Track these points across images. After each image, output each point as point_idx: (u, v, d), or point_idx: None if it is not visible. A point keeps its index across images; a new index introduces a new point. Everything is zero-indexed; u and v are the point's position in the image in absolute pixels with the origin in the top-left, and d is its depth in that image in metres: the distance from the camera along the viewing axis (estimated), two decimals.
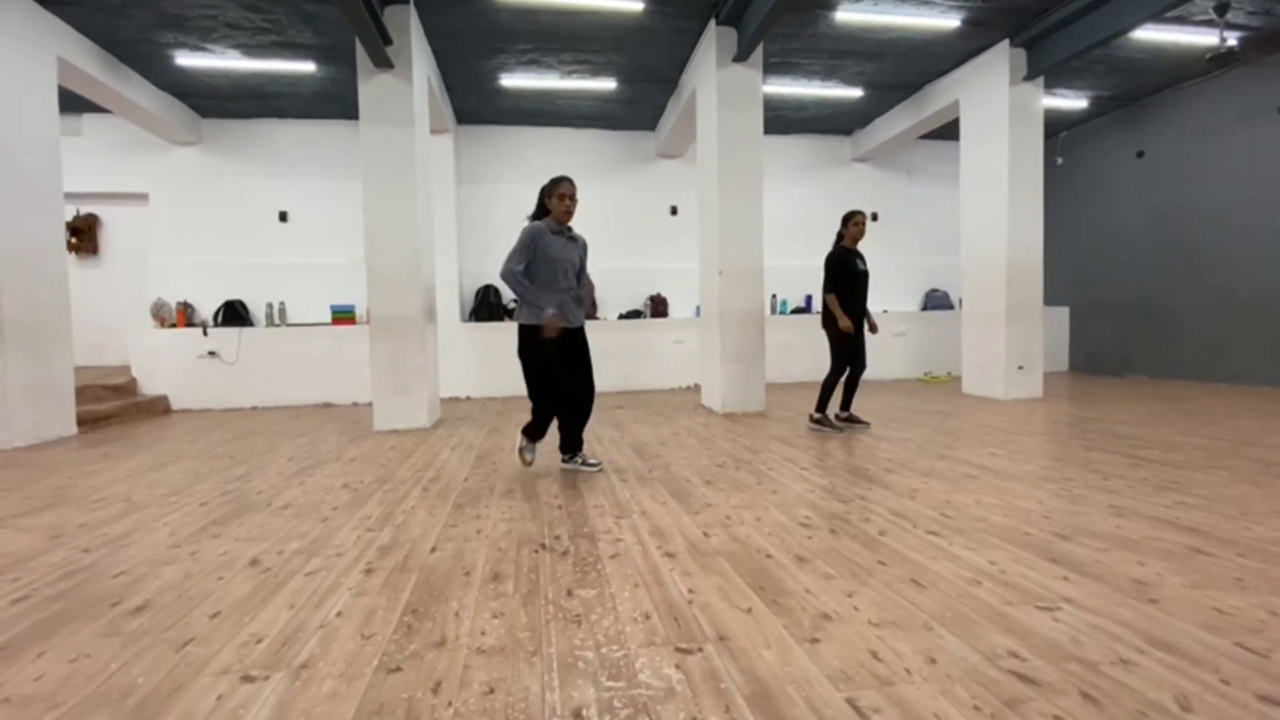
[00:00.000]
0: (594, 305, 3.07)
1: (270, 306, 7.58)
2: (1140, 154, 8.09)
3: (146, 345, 6.95)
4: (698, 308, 7.50)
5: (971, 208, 6.82)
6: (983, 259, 6.63)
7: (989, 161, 6.51)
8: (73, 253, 7.39)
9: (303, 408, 7.02)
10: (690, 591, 1.89)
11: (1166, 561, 2.04)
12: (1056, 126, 8.59)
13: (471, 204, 8.17)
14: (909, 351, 8.65)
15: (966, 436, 4.38)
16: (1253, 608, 1.70)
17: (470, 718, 1.29)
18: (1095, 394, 6.65)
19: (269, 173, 7.78)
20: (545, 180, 3.48)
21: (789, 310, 8.66)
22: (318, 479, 3.52)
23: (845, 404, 4.83)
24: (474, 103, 7.49)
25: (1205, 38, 5.96)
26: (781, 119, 8.16)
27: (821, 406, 4.76)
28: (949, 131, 7.70)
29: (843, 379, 4.74)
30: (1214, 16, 5.57)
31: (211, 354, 7.04)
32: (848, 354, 4.65)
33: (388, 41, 4.98)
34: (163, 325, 7.25)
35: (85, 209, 7.59)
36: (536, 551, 2.28)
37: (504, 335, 7.49)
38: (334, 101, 7.22)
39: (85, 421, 5.43)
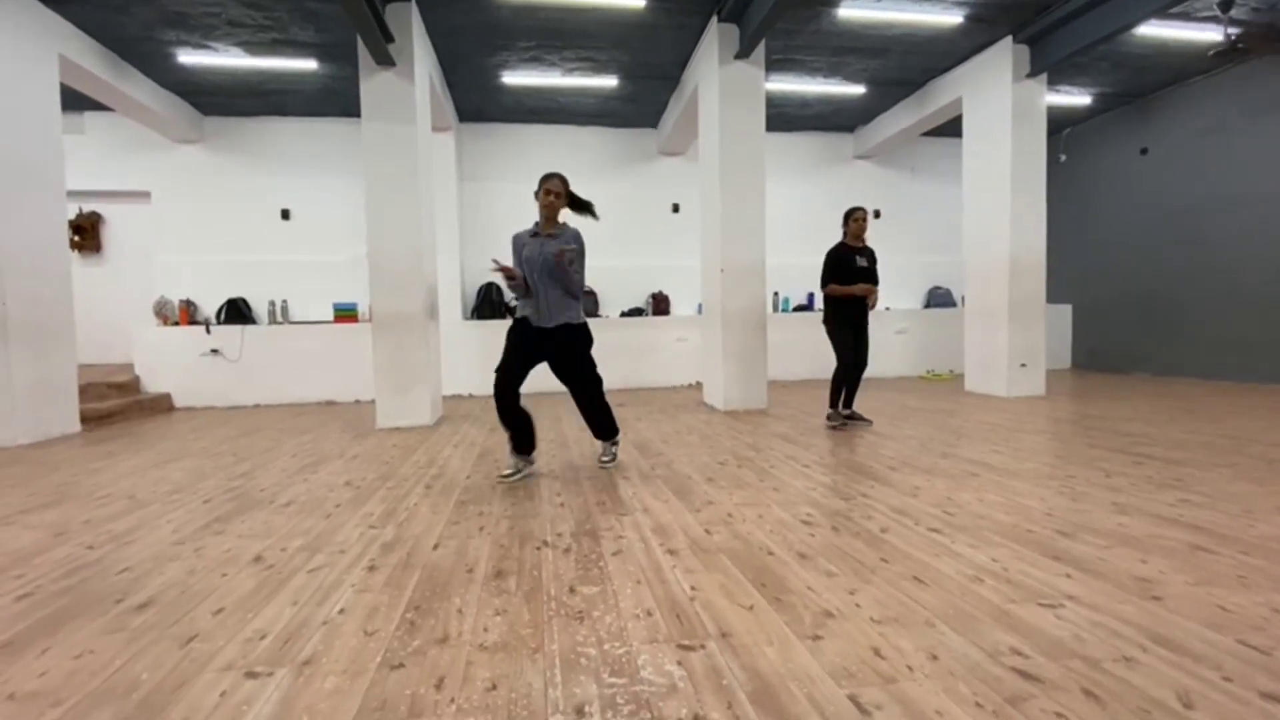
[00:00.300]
0: (570, 281, 2.77)
1: (273, 304, 7.60)
2: (1144, 151, 8.06)
3: (150, 343, 6.96)
4: (700, 305, 7.50)
5: (974, 205, 6.80)
6: (985, 256, 6.61)
7: (992, 158, 6.49)
8: (76, 251, 7.42)
9: (305, 405, 7.04)
10: (692, 588, 1.89)
11: (1169, 559, 2.04)
12: (1060, 123, 8.57)
13: (473, 202, 8.17)
14: (911, 349, 8.64)
15: (969, 434, 4.38)
16: (1256, 605, 1.70)
17: (473, 714, 1.29)
18: (1098, 391, 6.64)
19: (271, 170, 7.79)
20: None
21: (791, 308, 8.65)
22: (321, 476, 3.52)
23: (847, 402, 4.82)
24: (476, 100, 7.49)
25: (1209, 34, 5.94)
26: (784, 116, 8.14)
27: (833, 404, 4.77)
28: (952, 128, 7.69)
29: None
30: (1218, 13, 5.54)
31: (214, 352, 7.05)
32: (849, 350, 4.63)
33: (389, 39, 4.98)
34: (166, 323, 7.26)
35: (88, 207, 7.61)
36: (539, 548, 2.28)
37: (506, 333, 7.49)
38: (336, 99, 7.22)
39: (89, 419, 5.45)
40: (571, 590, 1.90)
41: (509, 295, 7.95)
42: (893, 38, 6.14)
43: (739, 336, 5.76)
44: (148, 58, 6.10)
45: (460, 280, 7.90)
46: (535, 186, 3.35)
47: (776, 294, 8.53)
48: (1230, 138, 7.10)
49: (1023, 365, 6.38)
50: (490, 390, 7.42)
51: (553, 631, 1.64)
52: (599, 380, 3.51)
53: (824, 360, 7.88)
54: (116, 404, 6.05)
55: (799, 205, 8.72)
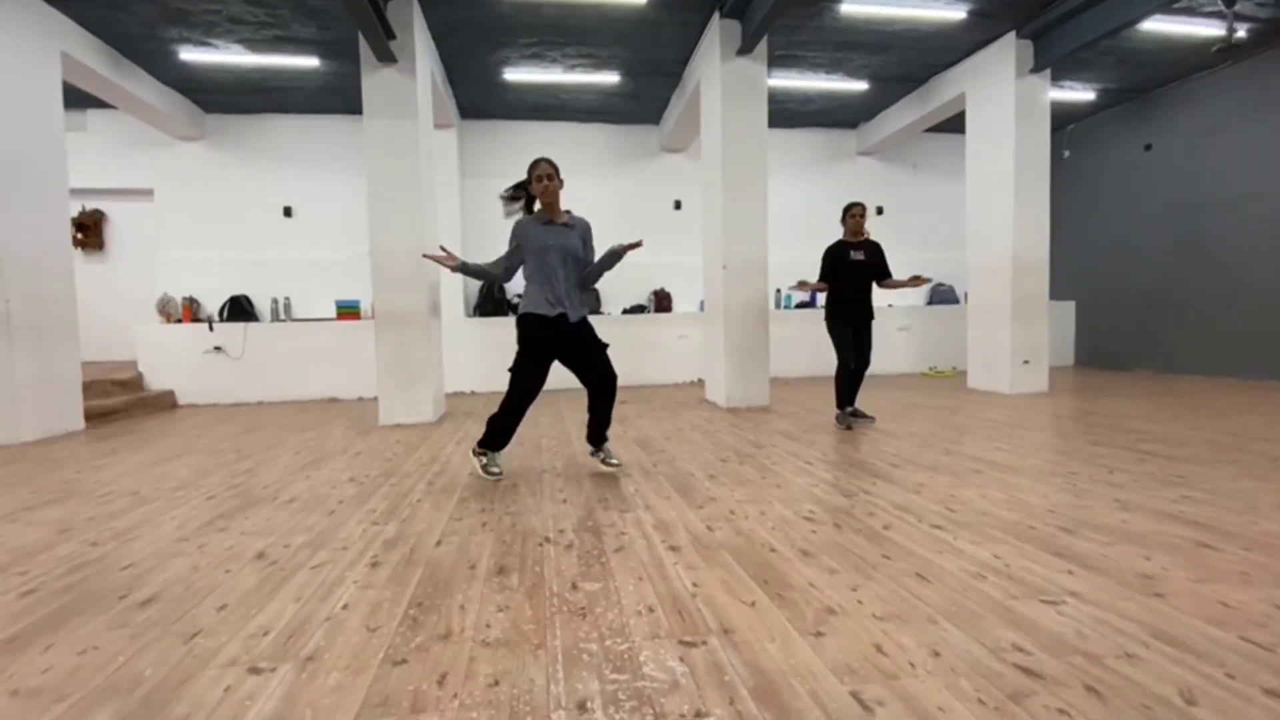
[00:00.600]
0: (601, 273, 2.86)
1: (275, 302, 7.61)
2: (1148, 147, 8.03)
3: (153, 340, 6.98)
4: (701, 302, 7.49)
5: (977, 201, 6.78)
6: (988, 253, 6.59)
7: (995, 155, 6.47)
8: (79, 248, 7.44)
9: (308, 402, 7.05)
10: (694, 585, 1.89)
11: (1172, 556, 2.03)
12: (1064, 119, 8.53)
13: (475, 199, 8.16)
14: (914, 346, 8.62)
15: (971, 431, 4.37)
16: (1258, 602, 1.69)
17: (476, 709, 1.30)
18: (1101, 388, 6.62)
19: (273, 168, 7.79)
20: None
21: (793, 305, 8.63)
22: (324, 473, 3.53)
23: (849, 399, 4.74)
24: (477, 97, 7.48)
25: (1214, 30, 5.90)
26: (786, 112, 8.12)
27: (839, 403, 4.71)
28: (955, 125, 7.66)
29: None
30: (1222, 8, 5.51)
31: (217, 349, 7.06)
32: (847, 349, 4.57)
33: (391, 36, 4.97)
34: (169, 320, 7.28)
35: (91, 205, 7.61)
36: (541, 545, 2.28)
37: (508, 330, 7.44)
38: (337, 96, 7.21)
39: (92, 416, 5.46)
40: (574, 586, 1.90)
41: (513, 293, 7.95)
42: (895, 33, 6.12)
43: (741, 333, 5.76)
44: (149, 55, 6.10)
45: (463, 277, 7.89)
46: (527, 180, 3.20)
47: (779, 291, 8.51)
48: (1235, 134, 7.06)
49: (1025, 362, 6.37)
50: (492, 386, 7.50)
51: (555, 628, 1.64)
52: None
53: (826, 357, 7.89)
54: (120, 401, 6.07)
55: (801, 202, 8.70)
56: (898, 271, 5.00)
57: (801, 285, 4.68)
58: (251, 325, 7.19)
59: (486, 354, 7.55)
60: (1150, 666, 1.39)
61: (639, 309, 8.34)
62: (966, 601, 1.73)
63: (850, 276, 4.58)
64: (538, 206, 3.25)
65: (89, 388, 5.61)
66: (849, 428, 4.54)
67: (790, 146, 8.76)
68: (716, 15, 5.56)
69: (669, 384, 7.98)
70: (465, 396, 7.27)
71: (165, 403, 6.80)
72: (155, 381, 6.93)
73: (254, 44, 5.95)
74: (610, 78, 6.94)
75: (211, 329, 7.08)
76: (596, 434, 3.42)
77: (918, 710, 1.26)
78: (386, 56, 5.02)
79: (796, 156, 8.83)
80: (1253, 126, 6.88)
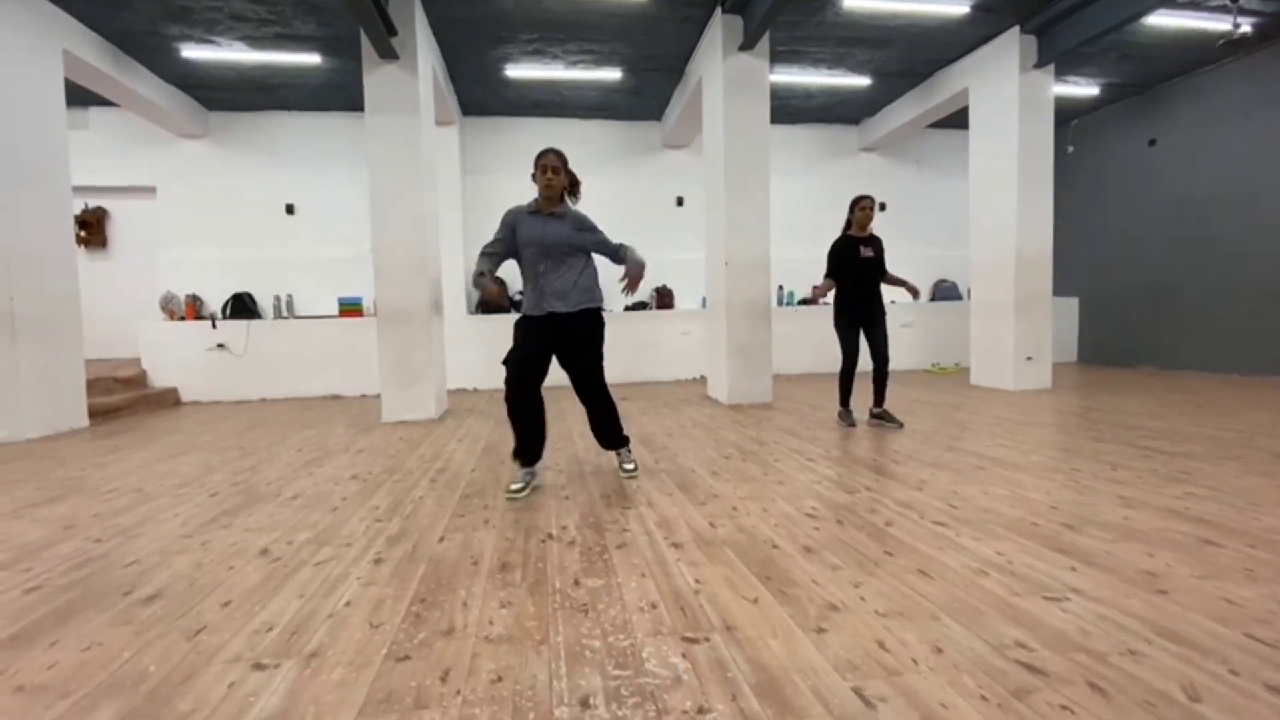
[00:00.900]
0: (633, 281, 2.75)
1: (278, 299, 7.62)
2: (1152, 142, 7.98)
3: (156, 338, 7.00)
4: (704, 299, 7.50)
5: (980, 197, 6.75)
6: (991, 249, 6.57)
7: (998, 150, 6.44)
8: (82, 246, 7.45)
9: (311, 399, 7.06)
10: (697, 581, 1.90)
11: (1175, 552, 2.03)
12: (1067, 114, 8.48)
13: (477, 195, 8.16)
14: (916, 342, 8.60)
15: (974, 428, 4.36)
16: (1262, 598, 1.69)
17: (478, 705, 1.30)
18: (1104, 385, 6.60)
19: (275, 165, 7.79)
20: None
21: (796, 302, 8.62)
22: (327, 470, 3.54)
23: (877, 400, 4.53)
24: (479, 94, 7.47)
25: (1219, 24, 5.87)
26: (788, 108, 8.09)
27: (844, 402, 4.60)
28: (958, 120, 7.63)
29: (870, 374, 4.48)
30: (1227, 2, 5.48)
31: (220, 346, 7.08)
32: (852, 345, 4.46)
33: (392, 32, 4.96)
34: (172, 318, 7.29)
35: (93, 202, 7.62)
36: (544, 541, 2.29)
37: (511, 327, 7.48)
38: (339, 93, 7.21)
39: (96, 413, 5.48)
40: (576, 583, 1.91)
41: (515, 290, 7.95)
42: (898, 28, 6.09)
43: (743, 330, 5.75)
44: (151, 52, 6.10)
45: (464, 274, 7.90)
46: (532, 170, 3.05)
47: (781, 288, 8.50)
48: (1240, 129, 7.02)
49: (1029, 358, 6.36)
50: (495, 383, 7.50)
51: (558, 624, 1.64)
52: (602, 373, 3.16)
53: (828, 354, 7.89)
54: (124, 398, 6.09)
55: (804, 198, 8.68)
56: (898, 269, 4.90)
57: (816, 290, 4.50)
58: (254, 323, 7.20)
59: (489, 351, 7.54)
60: (1153, 663, 1.39)
61: (641, 306, 8.33)
62: (969, 598, 1.73)
63: (859, 274, 4.44)
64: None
65: (93, 385, 5.62)
66: (850, 425, 4.49)
67: (792, 143, 8.74)
68: (718, 10, 5.53)
69: (671, 381, 7.98)
70: (467, 393, 7.27)
71: (168, 400, 6.82)
72: (158, 379, 6.94)
73: (256, 41, 5.95)
74: (612, 74, 6.93)
75: (214, 326, 7.09)
76: (605, 441, 3.27)
77: (920, 706, 1.26)
78: (388, 53, 5.01)
79: (799, 153, 8.81)
80: (1258, 121, 6.84)
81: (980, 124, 6.71)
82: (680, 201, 8.66)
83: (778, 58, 6.50)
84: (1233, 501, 2.55)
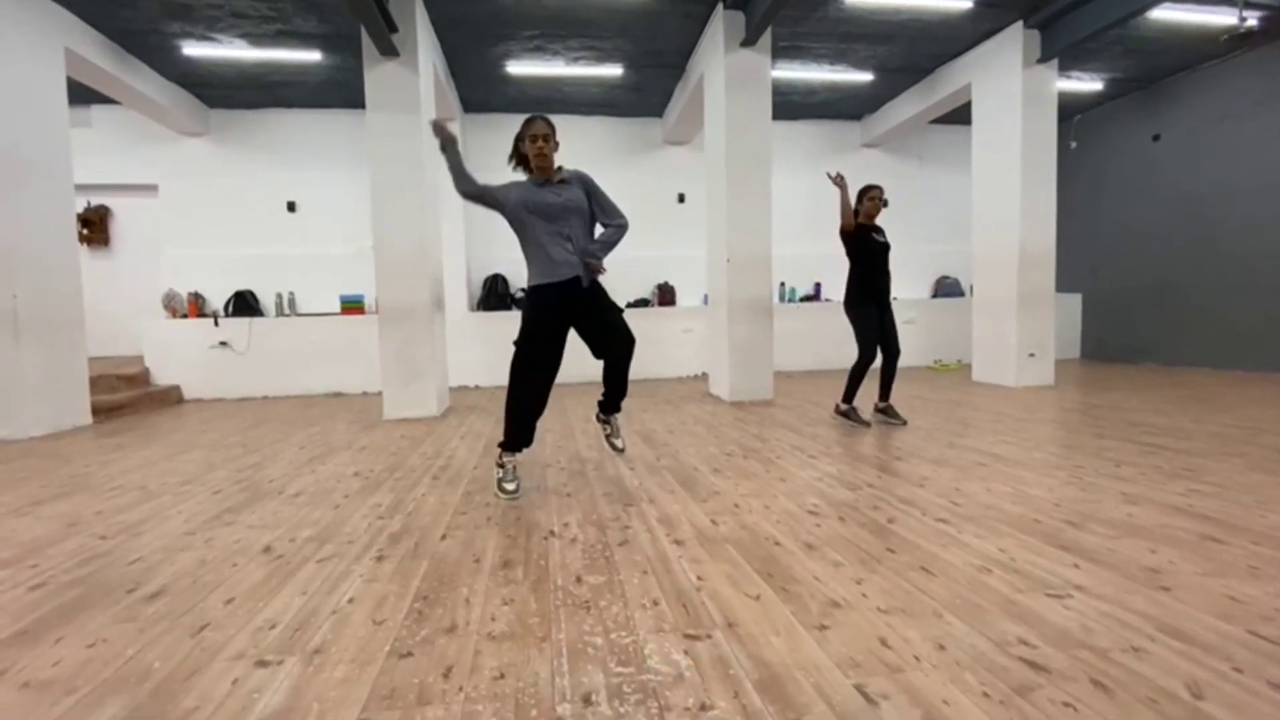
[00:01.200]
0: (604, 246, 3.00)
1: (280, 297, 7.63)
2: (1157, 137, 7.95)
3: (159, 336, 7.01)
4: (705, 296, 7.48)
5: (983, 193, 6.73)
6: (994, 245, 6.55)
7: (1001, 146, 6.42)
8: (84, 244, 7.45)
9: (313, 397, 7.08)
10: (699, 579, 1.90)
11: (1179, 549, 2.02)
12: (1071, 110, 8.45)
13: None
14: (919, 339, 8.58)
15: (976, 424, 4.36)
16: (1267, 595, 1.68)
17: (481, 702, 1.30)
18: (1107, 381, 6.59)
19: (277, 163, 7.79)
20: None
21: (797, 298, 8.60)
22: (329, 467, 3.55)
23: (883, 395, 4.46)
24: (480, 91, 7.46)
25: (1224, 18, 5.83)
26: (790, 104, 8.07)
27: (848, 397, 4.39)
28: (961, 116, 7.59)
29: (876, 366, 4.36)
30: None
31: (223, 344, 7.09)
32: (873, 337, 4.29)
33: (393, 29, 4.95)
34: (174, 316, 7.30)
35: (96, 200, 7.63)
36: (546, 539, 2.29)
37: (512, 324, 7.47)
38: (340, 90, 7.20)
39: (100, 411, 5.50)
40: (578, 580, 1.91)
41: (517, 286, 7.94)
42: (900, 23, 6.06)
43: (745, 327, 5.74)
44: (153, 50, 6.10)
45: (466, 272, 7.91)
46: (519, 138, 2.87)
47: (783, 284, 8.48)
48: (1245, 124, 6.98)
49: (1031, 355, 6.34)
50: (497, 380, 7.50)
51: (560, 621, 1.65)
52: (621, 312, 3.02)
53: (831, 351, 7.90)
54: (127, 396, 6.11)
55: (805, 195, 8.64)
56: (900, 266, 4.82)
57: (839, 182, 4.22)
58: (256, 320, 7.21)
59: (490, 348, 7.55)
60: (1157, 660, 1.39)
61: (642, 303, 8.33)
62: (971, 595, 1.73)
63: (878, 260, 4.33)
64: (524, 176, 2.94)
65: (96, 383, 5.63)
66: (845, 415, 4.39)
67: (794, 139, 8.71)
68: (720, 6, 5.52)
69: (672, 378, 7.98)
70: (469, 391, 7.28)
71: (171, 398, 6.84)
72: (161, 377, 6.96)
73: (256, 38, 5.94)
74: (613, 70, 6.91)
75: (217, 324, 7.11)
76: (612, 403, 3.15)
77: (923, 703, 1.26)
78: (388, 50, 5.00)
79: (801, 149, 8.78)
80: (1263, 116, 6.80)
81: (983, 120, 6.68)
82: (682, 198, 8.64)
83: (779, 53, 6.48)
84: (1237, 498, 2.54)
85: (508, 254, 7.19)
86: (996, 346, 6.58)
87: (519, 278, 8.08)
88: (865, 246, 4.34)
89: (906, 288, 8.88)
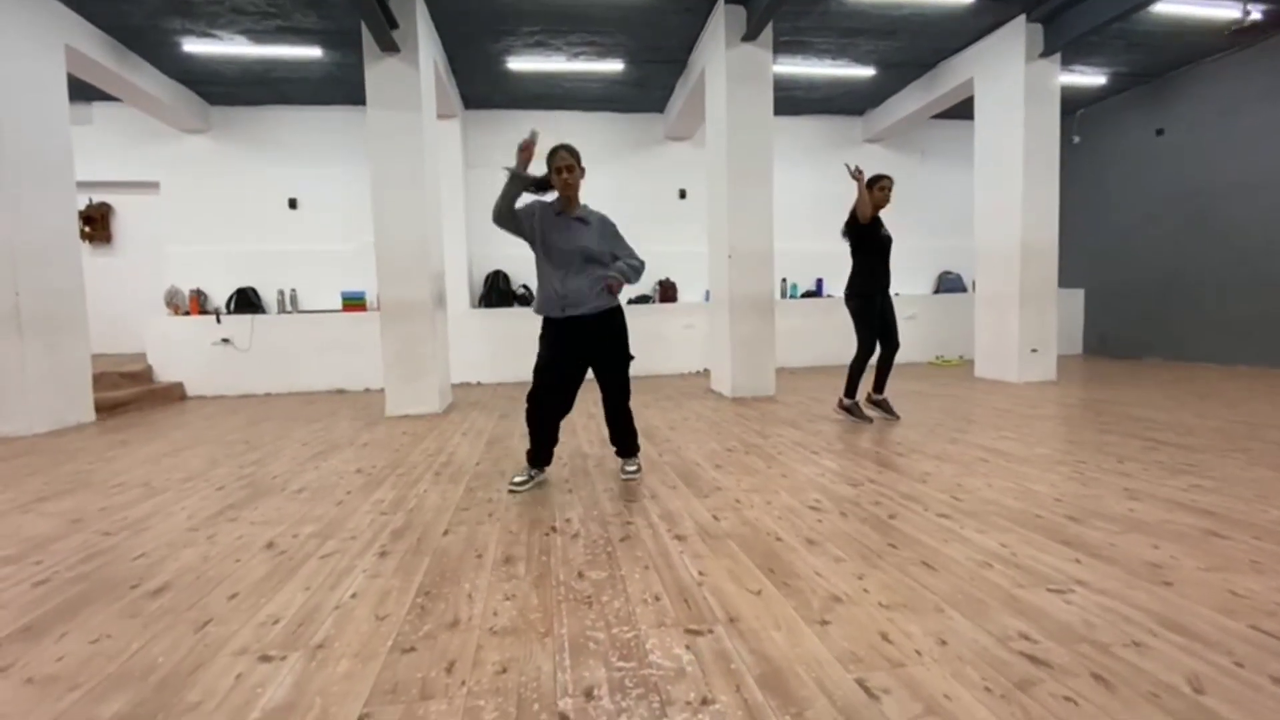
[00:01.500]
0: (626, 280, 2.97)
1: (281, 293, 7.64)
2: (1160, 132, 7.91)
3: (161, 333, 7.02)
4: (707, 292, 7.47)
5: (986, 188, 6.71)
6: (997, 240, 6.54)
7: (1004, 141, 6.39)
8: (86, 242, 7.46)
9: (316, 394, 7.09)
10: (700, 574, 1.90)
11: (1181, 544, 2.02)
12: (1073, 104, 8.41)
13: (479, 189, 8.14)
14: (921, 334, 8.57)
15: (978, 420, 4.35)
16: (1269, 590, 1.68)
17: (483, 697, 1.31)
18: (1110, 377, 6.58)
19: (278, 159, 7.79)
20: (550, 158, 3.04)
21: (799, 294, 8.59)
22: (332, 463, 3.55)
23: (878, 387, 4.45)
24: (481, 87, 7.44)
25: (1228, 11, 5.79)
26: (792, 99, 8.04)
27: (850, 392, 4.36)
28: (963, 110, 7.56)
29: (873, 360, 4.35)
30: None
31: (225, 341, 7.10)
32: (874, 331, 4.28)
33: (393, 25, 4.94)
34: (177, 313, 7.31)
35: (98, 198, 7.63)
36: (547, 534, 2.29)
37: (514, 321, 7.52)
38: (341, 87, 7.19)
39: (103, 408, 5.51)
40: (580, 575, 1.91)
41: (519, 283, 7.93)
42: (902, 18, 6.03)
43: (746, 323, 5.73)
44: (153, 47, 6.09)
45: (467, 268, 7.90)
46: (545, 170, 3.02)
47: (784, 280, 8.47)
48: (1249, 118, 6.95)
49: (1034, 350, 6.33)
50: (498, 377, 7.51)
51: (562, 616, 1.65)
52: (628, 383, 3.08)
53: (832, 347, 7.89)
54: (130, 393, 6.12)
55: (807, 190, 8.63)
56: (908, 259, 4.82)
57: (858, 175, 4.18)
58: (258, 317, 7.22)
59: (492, 345, 7.56)
60: (1158, 655, 1.39)
61: (644, 299, 8.32)
62: (973, 590, 1.73)
63: (883, 253, 4.29)
64: (553, 195, 3.06)
65: (99, 380, 5.65)
66: (848, 411, 4.38)
67: (796, 134, 8.68)
68: (721, 1, 5.49)
69: (674, 374, 7.98)
70: (471, 387, 7.29)
71: (174, 395, 6.85)
72: (164, 374, 6.97)
73: (257, 35, 5.93)
74: (614, 66, 6.89)
75: (219, 321, 7.12)
76: (618, 444, 3.18)
77: (924, 698, 1.26)
78: (389, 46, 4.99)
79: (802, 144, 8.76)
80: (1267, 110, 6.77)
81: (985, 114, 6.66)
82: (683, 194, 8.63)
83: (781, 48, 6.45)
84: (1239, 493, 2.54)
85: (509, 250, 7.20)
86: (999, 342, 6.56)
87: (520, 274, 8.09)
88: (876, 238, 4.30)
89: (908, 283, 8.87)
